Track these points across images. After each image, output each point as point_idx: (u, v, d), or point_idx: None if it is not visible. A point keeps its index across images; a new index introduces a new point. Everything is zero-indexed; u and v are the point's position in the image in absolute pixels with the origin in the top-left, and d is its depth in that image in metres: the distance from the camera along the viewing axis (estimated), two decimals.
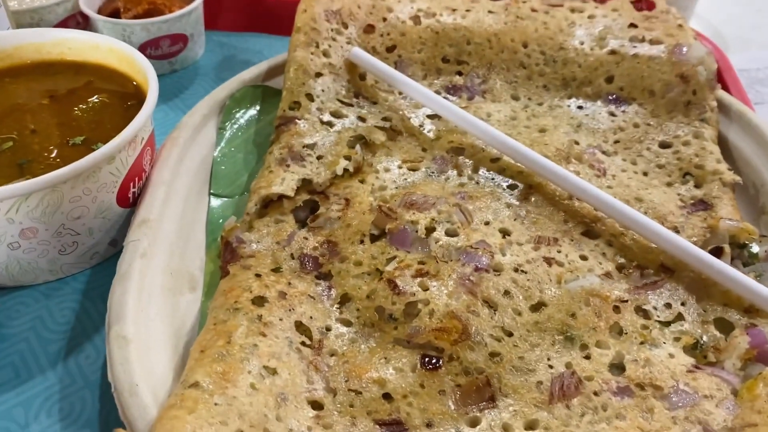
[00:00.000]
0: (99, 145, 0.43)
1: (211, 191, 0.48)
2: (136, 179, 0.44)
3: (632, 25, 0.56)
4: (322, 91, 0.52)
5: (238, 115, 0.53)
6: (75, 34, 0.50)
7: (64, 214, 0.40)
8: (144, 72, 0.47)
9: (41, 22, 0.59)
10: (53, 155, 0.43)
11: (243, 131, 0.52)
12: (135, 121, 0.42)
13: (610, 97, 0.54)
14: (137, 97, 0.48)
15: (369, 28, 0.56)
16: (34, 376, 0.38)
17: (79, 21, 0.62)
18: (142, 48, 0.58)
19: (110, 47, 0.49)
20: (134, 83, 0.49)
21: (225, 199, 0.48)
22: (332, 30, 0.54)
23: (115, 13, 0.60)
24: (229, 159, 0.50)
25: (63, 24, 0.60)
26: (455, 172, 0.48)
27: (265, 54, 0.64)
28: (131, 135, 0.41)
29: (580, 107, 0.54)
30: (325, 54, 0.53)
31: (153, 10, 0.59)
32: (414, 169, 0.48)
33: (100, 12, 0.60)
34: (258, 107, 0.54)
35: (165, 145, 0.47)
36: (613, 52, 0.55)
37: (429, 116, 0.53)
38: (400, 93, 0.54)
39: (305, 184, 0.46)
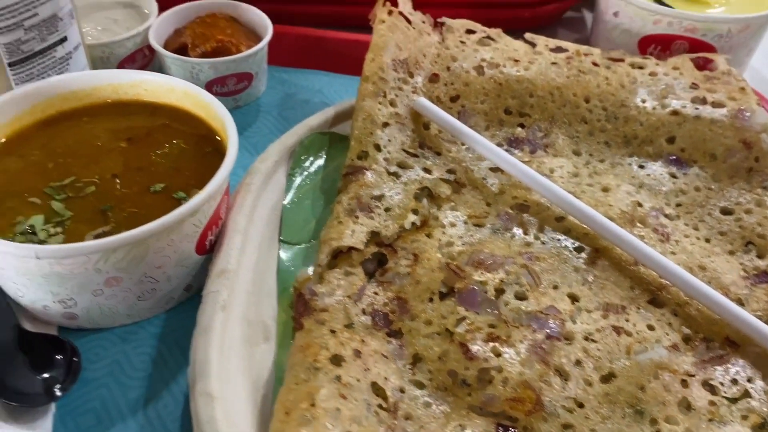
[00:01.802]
0: (180, 193, 0.45)
1: (281, 238, 0.49)
2: (214, 227, 0.45)
3: (694, 86, 0.57)
4: (389, 141, 0.53)
5: (306, 162, 0.54)
6: (151, 77, 0.51)
7: (148, 263, 0.41)
8: (221, 119, 0.48)
9: (111, 56, 0.60)
10: (135, 202, 0.44)
11: (311, 178, 0.53)
12: (218, 175, 0.43)
13: (671, 158, 0.54)
14: (212, 142, 0.49)
15: (434, 77, 0.57)
16: (116, 423, 0.39)
17: (146, 54, 0.63)
18: (209, 85, 0.59)
19: (186, 91, 0.50)
20: (209, 128, 0.50)
21: (294, 246, 0.49)
22: (399, 79, 0.55)
23: (183, 48, 0.61)
24: (297, 206, 0.51)
25: (131, 57, 0.61)
26: (520, 230, 0.49)
27: (324, 92, 0.65)
28: (215, 189, 0.42)
29: (641, 166, 0.55)
30: (392, 103, 0.54)
31: (221, 48, 0.60)
32: (479, 225, 0.49)
33: (167, 46, 0.61)
34: (325, 153, 0.55)
35: (239, 192, 0.48)
36: (675, 113, 0.55)
37: (492, 169, 0.53)
38: (463, 144, 0.55)
39: (373, 236, 0.47)
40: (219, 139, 0.49)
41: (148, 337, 0.44)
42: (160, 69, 0.63)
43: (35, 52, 0.48)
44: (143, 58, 0.63)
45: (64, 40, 0.50)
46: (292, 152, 0.54)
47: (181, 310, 0.46)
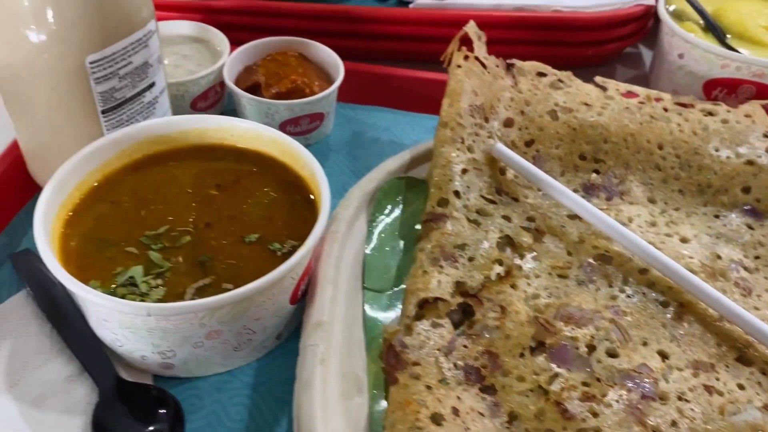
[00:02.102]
0: (275, 245, 0.45)
1: (365, 285, 0.50)
2: (306, 276, 0.46)
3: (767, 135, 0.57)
4: (468, 187, 0.53)
5: (386, 208, 0.54)
6: (237, 123, 0.52)
7: (248, 317, 0.42)
8: (309, 168, 0.49)
9: (186, 93, 0.61)
10: (232, 253, 0.45)
11: (390, 223, 0.54)
12: (316, 230, 0.44)
13: (746, 208, 0.55)
14: (301, 190, 0.49)
15: (508, 122, 0.58)
16: None
17: (217, 91, 0.64)
18: (283, 125, 0.60)
19: (273, 138, 0.51)
20: (296, 175, 0.50)
21: (377, 293, 0.50)
22: (475, 124, 0.56)
23: (255, 87, 0.62)
24: (378, 252, 0.52)
25: (204, 95, 0.62)
26: (605, 281, 0.49)
27: (392, 131, 0.66)
28: (314, 244, 0.43)
29: (716, 216, 0.55)
30: (470, 149, 0.55)
31: (295, 88, 0.60)
32: (563, 276, 0.50)
33: (237, 83, 0.62)
34: (402, 198, 0.56)
35: (327, 240, 0.49)
36: (749, 163, 0.56)
37: (569, 216, 0.54)
38: (539, 189, 0.55)
39: (458, 286, 0.48)
40: (307, 187, 0.49)
41: (242, 386, 0.45)
42: (232, 106, 0.63)
43: (126, 99, 0.49)
44: (215, 95, 0.64)
45: (152, 85, 0.51)
46: (372, 198, 0.54)
47: (272, 358, 0.47)
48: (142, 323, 0.40)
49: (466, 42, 0.59)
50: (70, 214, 0.46)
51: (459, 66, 0.57)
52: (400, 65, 0.70)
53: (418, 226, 0.53)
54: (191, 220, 0.47)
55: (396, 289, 0.50)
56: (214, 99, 0.64)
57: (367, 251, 0.51)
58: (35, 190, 0.57)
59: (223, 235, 0.46)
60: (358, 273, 0.50)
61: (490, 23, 0.69)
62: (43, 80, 0.46)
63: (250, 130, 0.51)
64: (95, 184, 0.48)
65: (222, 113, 0.66)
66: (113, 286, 0.42)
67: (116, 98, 0.48)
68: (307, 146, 0.54)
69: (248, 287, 0.39)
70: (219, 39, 0.65)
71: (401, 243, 0.53)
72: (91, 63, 0.45)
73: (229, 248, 0.45)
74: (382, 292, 0.50)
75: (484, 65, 0.58)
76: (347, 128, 0.66)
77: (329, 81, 0.64)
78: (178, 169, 0.50)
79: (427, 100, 0.68)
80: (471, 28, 0.59)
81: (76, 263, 0.43)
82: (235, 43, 0.65)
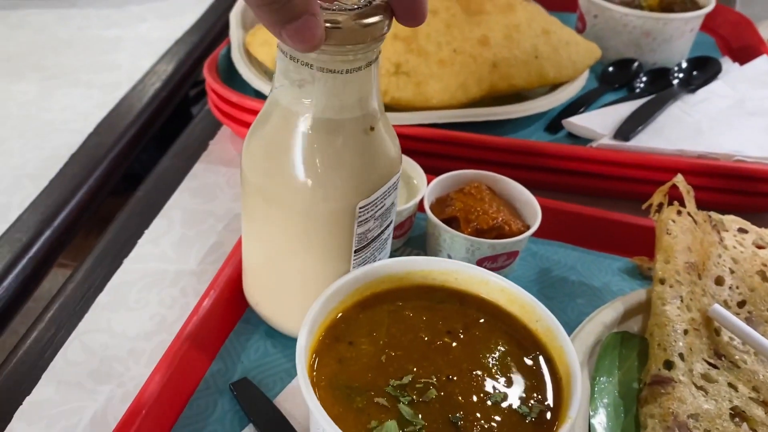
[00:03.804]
0: (524, 408, 0.44)
1: None
2: None
3: None
4: (690, 350, 0.52)
5: (605, 365, 0.53)
6: (465, 268, 0.52)
7: None
8: (545, 323, 0.48)
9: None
10: (482, 415, 0.44)
11: (608, 382, 0.53)
12: (574, 402, 0.42)
13: None
14: (534, 346, 0.49)
15: (719, 280, 0.57)
16: None
17: (412, 220, 0.65)
18: (481, 262, 0.60)
19: (502, 287, 0.51)
20: (526, 328, 0.50)
21: None
22: (691, 282, 0.55)
23: (451, 220, 0.62)
24: (600, 413, 0.50)
25: (401, 225, 0.63)
26: None
27: (578, 270, 0.65)
28: (575, 416, 0.42)
29: None
30: (688, 308, 0.54)
31: (495, 225, 0.61)
32: None
33: (433, 212, 0.63)
34: (618, 354, 0.54)
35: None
36: None
37: None
38: (756, 354, 0.54)
39: None
40: (540, 342, 0.49)
41: None
42: (416, 233, 0.64)
43: (374, 238, 0.50)
44: (410, 224, 0.64)
45: (390, 224, 0.52)
46: (591, 353, 0.53)
47: None
48: None
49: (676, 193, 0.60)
50: (314, 356, 0.46)
51: (673, 221, 0.57)
52: (579, 199, 0.70)
53: (635, 385, 0.52)
54: (432, 370, 0.46)
55: None
56: (407, 228, 0.65)
57: (592, 413, 0.50)
58: (244, 308, 0.58)
59: (468, 392, 0.45)
60: None
61: (673, 168, 0.70)
62: (309, 219, 0.47)
63: (476, 276, 0.51)
64: (332, 322, 0.48)
65: (407, 242, 0.67)
66: None
67: (368, 238, 0.49)
68: None
69: None
70: (418, 174, 0.66)
71: (622, 405, 0.52)
72: (360, 208, 0.47)
73: (477, 408, 0.44)
74: None
75: (695, 221, 0.58)
76: (532, 263, 0.66)
77: (519, 217, 0.64)
78: (407, 311, 0.50)
79: (610, 239, 0.68)
80: (681, 182, 0.60)
81: (331, 413, 0.42)
82: None
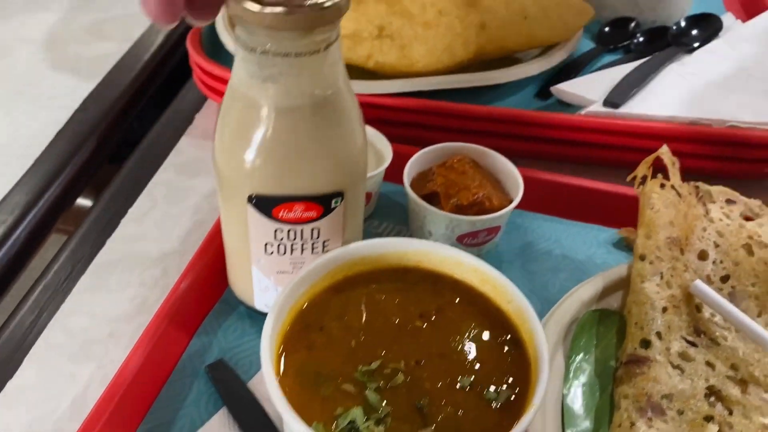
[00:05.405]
0: (490, 393, 0.44)
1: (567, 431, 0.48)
2: None
3: None
4: (669, 328, 0.51)
5: (581, 344, 0.53)
6: (439, 249, 0.51)
7: None
8: (517, 305, 0.47)
9: None
10: (448, 400, 0.44)
11: (585, 360, 0.52)
12: (541, 385, 0.42)
13: None
14: (507, 329, 0.48)
15: (702, 254, 0.56)
16: None
17: (375, 192, 0.64)
18: (461, 238, 0.60)
19: (475, 267, 0.50)
20: (499, 310, 0.49)
21: None
22: (672, 258, 0.54)
23: (432, 195, 0.61)
24: (575, 392, 0.50)
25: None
26: None
27: (562, 243, 0.64)
28: (540, 402, 0.42)
29: None
30: (668, 285, 0.53)
31: (475, 201, 0.60)
32: None
33: (413, 189, 0.62)
34: (595, 332, 0.54)
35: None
36: None
37: None
38: (737, 331, 0.53)
39: None
40: (513, 324, 0.48)
41: None
42: (380, 207, 0.63)
43: None
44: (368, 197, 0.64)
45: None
46: (567, 332, 0.53)
47: None
48: None
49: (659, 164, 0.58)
50: (283, 342, 0.46)
51: (656, 194, 0.56)
52: (567, 168, 0.69)
53: (612, 363, 0.52)
54: (401, 355, 0.46)
55: None
56: (366, 201, 0.64)
57: (566, 392, 0.50)
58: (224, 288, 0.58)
59: (436, 377, 0.45)
60: (559, 417, 0.49)
61: (663, 135, 0.68)
62: None
63: (450, 257, 0.51)
64: (303, 308, 0.48)
65: (369, 216, 0.66)
66: (335, 430, 0.42)
67: None
68: (478, 257, 0.53)
69: None
70: (380, 140, 0.65)
71: (597, 383, 0.51)
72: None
73: (444, 393, 0.44)
74: None
75: (679, 194, 0.57)
76: (516, 237, 0.65)
77: (503, 190, 0.63)
78: (380, 294, 0.50)
79: (596, 210, 0.66)
80: (665, 154, 0.58)
81: (297, 401, 0.42)
82: (391, 140, 0.65)
